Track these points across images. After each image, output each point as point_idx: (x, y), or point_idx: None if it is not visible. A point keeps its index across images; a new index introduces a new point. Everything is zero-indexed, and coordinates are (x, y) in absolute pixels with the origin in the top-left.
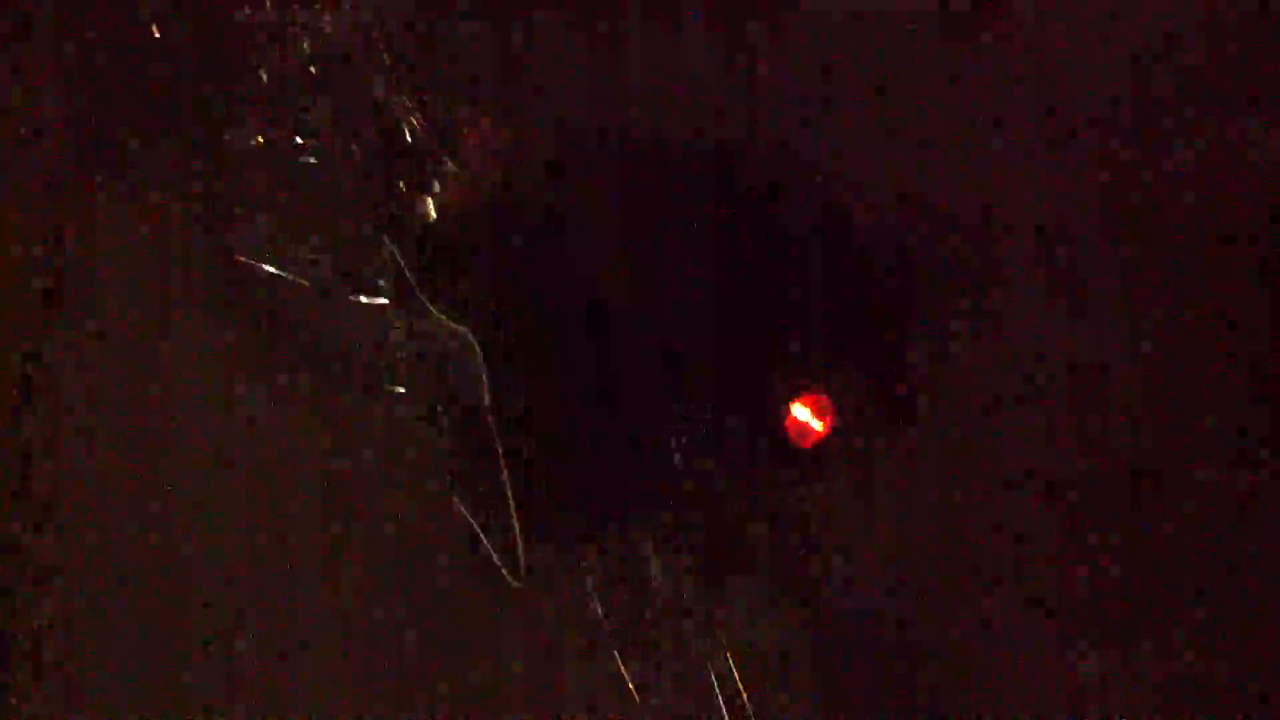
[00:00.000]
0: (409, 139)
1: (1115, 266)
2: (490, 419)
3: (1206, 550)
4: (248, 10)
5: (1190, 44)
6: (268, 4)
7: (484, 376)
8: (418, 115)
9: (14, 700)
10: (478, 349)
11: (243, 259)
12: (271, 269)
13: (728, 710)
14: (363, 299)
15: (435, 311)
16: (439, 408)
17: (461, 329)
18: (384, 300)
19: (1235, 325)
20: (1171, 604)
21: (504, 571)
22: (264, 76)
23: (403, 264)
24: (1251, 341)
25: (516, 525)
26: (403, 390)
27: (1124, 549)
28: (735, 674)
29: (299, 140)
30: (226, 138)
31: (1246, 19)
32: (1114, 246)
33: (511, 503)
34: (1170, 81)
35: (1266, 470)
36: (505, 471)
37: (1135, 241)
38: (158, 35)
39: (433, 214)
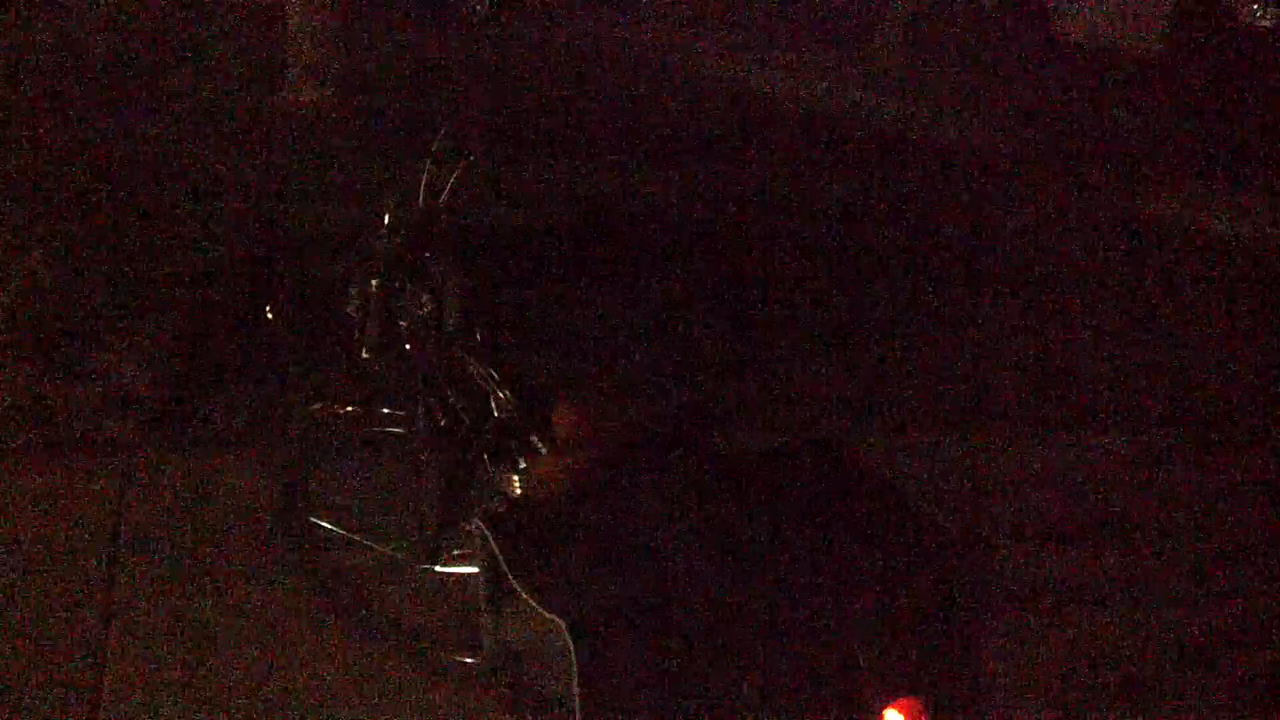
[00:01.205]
0: (497, 414)
1: (1177, 571)
2: (578, 706)
3: None
4: (353, 290)
5: None
6: (373, 285)
7: (574, 665)
8: (505, 389)
9: None
10: (570, 641)
11: (317, 520)
12: (348, 534)
13: None
14: (438, 568)
15: (525, 597)
16: (517, 690)
17: (553, 618)
18: (463, 569)
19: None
20: None
21: None
22: (364, 355)
23: (494, 547)
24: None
25: None
26: (474, 660)
27: None
28: None
29: (387, 410)
30: (317, 405)
31: None
32: (1174, 548)
33: None
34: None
35: None
36: None
37: (1194, 543)
38: (270, 316)
39: (517, 489)
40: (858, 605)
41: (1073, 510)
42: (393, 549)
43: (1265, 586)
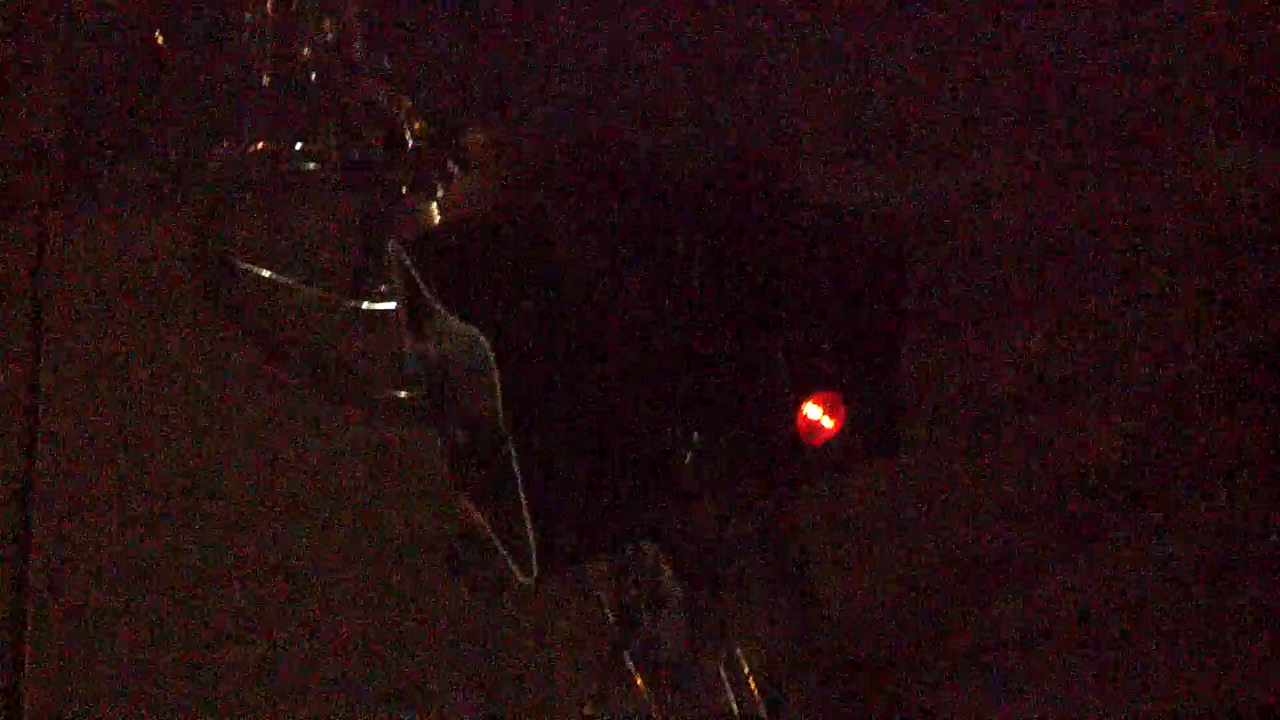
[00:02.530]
0: (411, 142)
1: (1108, 274)
2: (502, 422)
3: (1203, 567)
4: (249, 16)
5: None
6: (268, 9)
7: (495, 378)
8: (419, 119)
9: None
10: (490, 352)
11: (242, 265)
12: (271, 275)
13: (740, 711)
14: (365, 305)
15: (444, 313)
16: (449, 411)
17: (472, 330)
18: (388, 305)
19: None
20: (1168, 623)
21: (514, 569)
22: (265, 82)
23: (411, 269)
24: (1240, 352)
25: (528, 520)
26: (408, 394)
27: (1130, 562)
28: (746, 673)
29: (299, 146)
30: (226, 144)
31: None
32: (1109, 255)
33: (523, 500)
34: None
35: (1261, 485)
36: (518, 470)
37: (1129, 250)
38: (161, 42)
39: (436, 217)
40: (776, 302)
41: (1008, 224)
42: (318, 288)
43: (1189, 297)
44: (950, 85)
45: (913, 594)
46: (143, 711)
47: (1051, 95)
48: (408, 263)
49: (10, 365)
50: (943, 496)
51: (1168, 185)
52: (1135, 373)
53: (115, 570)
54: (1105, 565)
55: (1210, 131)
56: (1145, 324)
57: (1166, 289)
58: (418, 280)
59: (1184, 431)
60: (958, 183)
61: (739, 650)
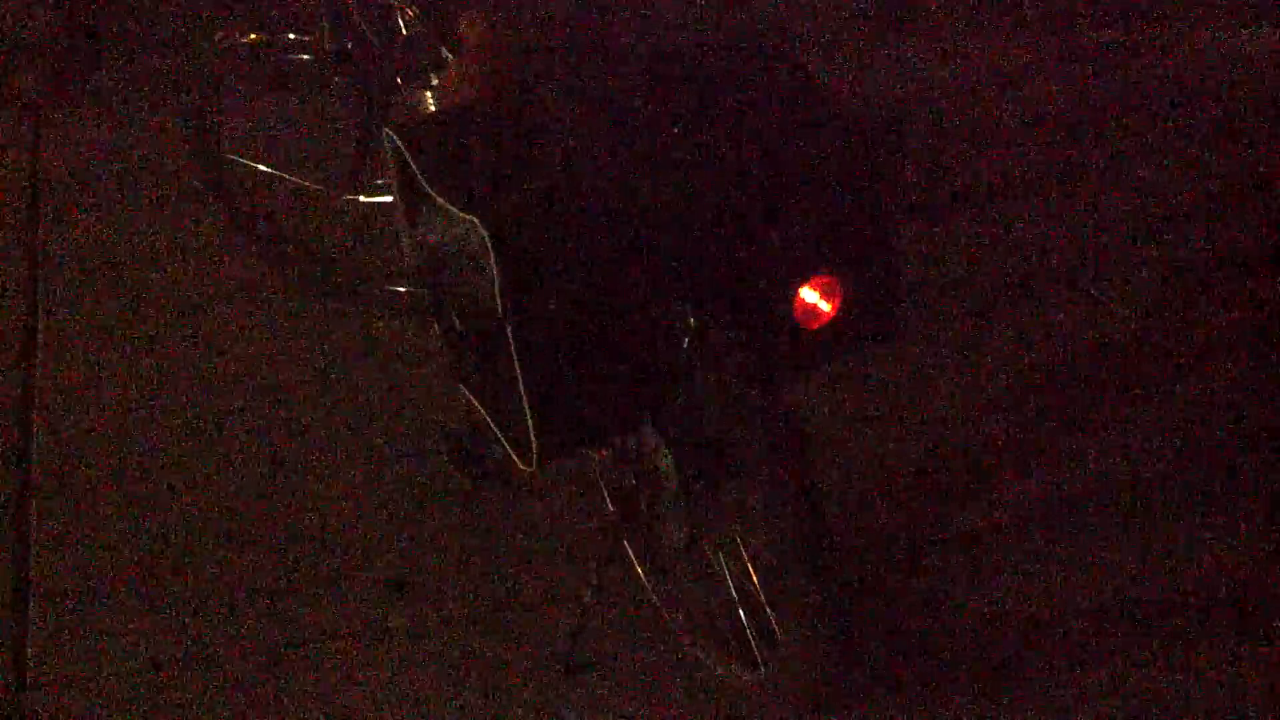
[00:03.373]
0: (404, 31)
1: (1110, 164)
2: (500, 309)
3: (1206, 451)
4: None
5: None
6: None
7: (493, 265)
8: (411, 6)
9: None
10: (487, 239)
11: (236, 158)
12: (265, 168)
13: (738, 596)
14: (362, 198)
15: (441, 201)
16: (447, 301)
17: (469, 218)
18: (386, 199)
19: (1225, 214)
20: (1180, 503)
21: (515, 458)
22: None
23: (406, 157)
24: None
25: (528, 408)
26: (406, 288)
27: (1128, 446)
28: (746, 560)
29: (292, 36)
30: (218, 35)
31: None
32: (1109, 141)
33: (522, 389)
34: None
35: (1260, 366)
36: (516, 358)
37: (1130, 135)
38: None
39: (431, 105)
40: (774, 186)
41: (1009, 111)
42: (314, 181)
43: (1191, 182)
44: None
45: (912, 479)
46: (144, 607)
47: None
48: (403, 151)
49: (8, 262)
50: (942, 382)
51: (1175, 68)
52: (1136, 257)
53: (115, 463)
54: (1104, 448)
55: (1221, 14)
56: (1147, 209)
57: (1171, 173)
58: (413, 169)
59: (1184, 315)
60: (962, 68)
61: (738, 537)
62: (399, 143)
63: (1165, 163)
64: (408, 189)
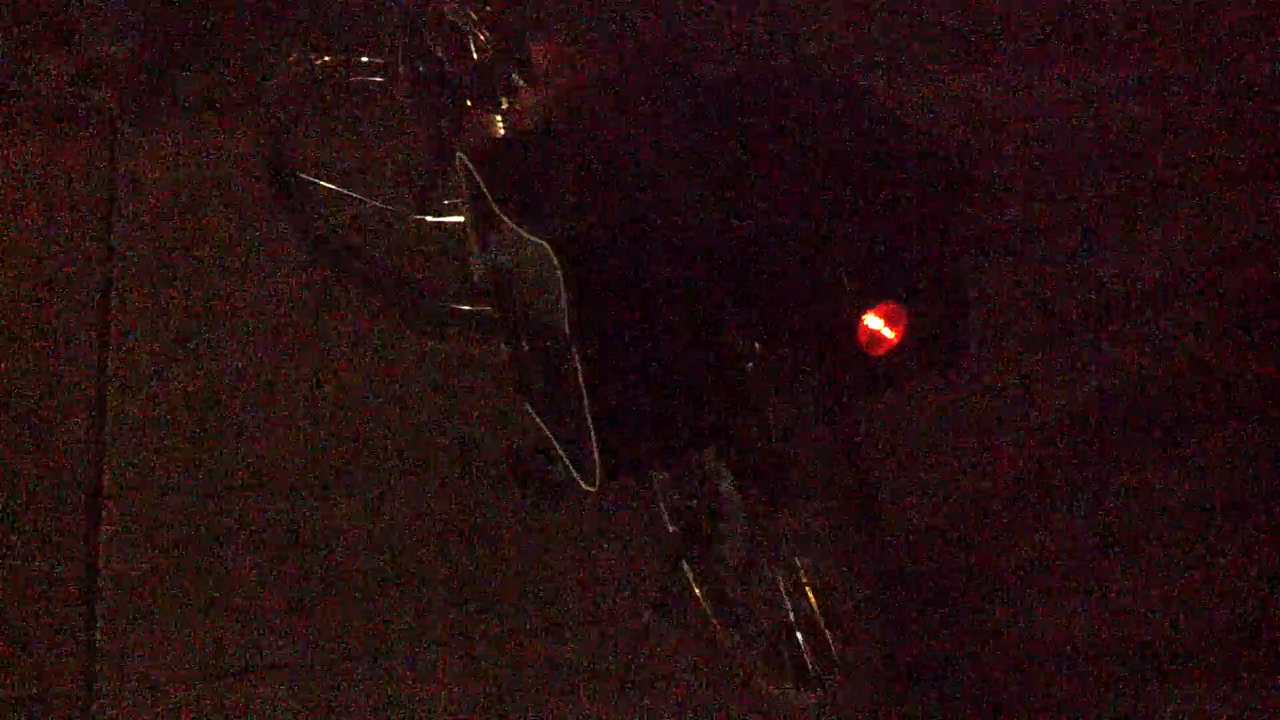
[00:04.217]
0: (477, 54)
1: (1174, 196)
2: (568, 332)
3: (1265, 487)
4: None
5: None
6: None
7: (562, 289)
8: (484, 30)
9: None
10: (556, 263)
11: (308, 178)
12: (337, 188)
13: (796, 618)
14: (431, 219)
15: (511, 224)
16: (515, 321)
17: (539, 241)
18: (456, 219)
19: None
20: (1235, 538)
21: (577, 477)
22: None
23: (478, 178)
24: None
25: (592, 429)
26: (473, 307)
27: (1184, 481)
28: (805, 583)
29: (365, 59)
30: (293, 56)
31: None
32: (1175, 171)
33: (587, 410)
34: None
35: None
36: (582, 380)
37: (1194, 167)
38: None
39: (502, 129)
40: (839, 213)
41: (1078, 141)
42: (384, 202)
43: (1254, 216)
44: None
45: (972, 507)
46: (208, 613)
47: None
48: (475, 173)
49: (83, 277)
50: (1005, 411)
51: (1243, 95)
52: (1194, 290)
53: (181, 467)
54: (1164, 479)
55: None
56: (1207, 241)
57: (1234, 206)
58: (485, 192)
59: (1250, 348)
60: (1029, 97)
61: (798, 560)
62: (471, 165)
63: (1229, 196)
64: (479, 211)
